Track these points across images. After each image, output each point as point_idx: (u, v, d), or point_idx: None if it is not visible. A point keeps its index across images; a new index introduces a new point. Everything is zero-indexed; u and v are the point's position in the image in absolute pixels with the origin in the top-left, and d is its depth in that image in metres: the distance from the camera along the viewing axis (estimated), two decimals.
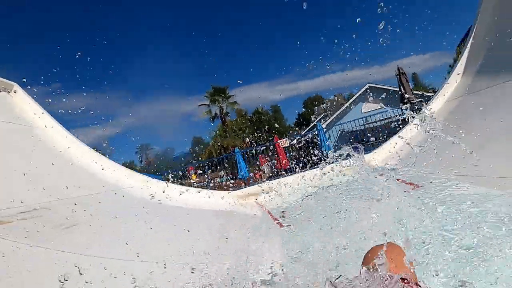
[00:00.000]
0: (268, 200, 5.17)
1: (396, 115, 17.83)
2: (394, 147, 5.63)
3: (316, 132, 10.62)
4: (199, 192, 5.31)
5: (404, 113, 13.80)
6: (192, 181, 17.58)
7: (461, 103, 5.43)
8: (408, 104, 8.31)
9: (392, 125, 16.97)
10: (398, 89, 19.49)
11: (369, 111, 18.47)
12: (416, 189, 2.93)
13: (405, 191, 2.92)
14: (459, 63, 5.84)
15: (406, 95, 8.26)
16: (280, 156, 10.12)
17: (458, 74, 5.76)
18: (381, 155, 5.64)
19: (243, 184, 12.82)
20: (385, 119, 17.96)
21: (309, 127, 30.60)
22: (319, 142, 9.73)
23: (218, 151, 21.69)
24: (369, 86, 18.27)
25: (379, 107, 18.28)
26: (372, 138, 11.88)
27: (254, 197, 5.62)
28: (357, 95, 18.44)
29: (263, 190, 5.54)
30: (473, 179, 2.81)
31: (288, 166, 10.05)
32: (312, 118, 41.26)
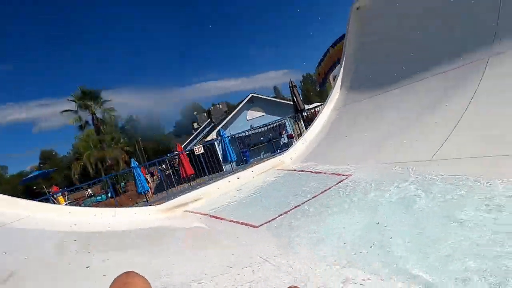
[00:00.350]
0: (200, 207, 5.08)
1: (277, 121, 20.45)
2: (300, 148, 6.65)
3: (219, 139, 10.93)
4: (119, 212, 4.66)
5: (292, 120, 15.95)
6: (62, 204, 14.43)
7: (341, 111, 7.00)
8: (300, 112, 9.86)
9: (274, 130, 19.27)
10: (275, 99, 22.37)
11: (253, 118, 20.39)
12: (349, 177, 3.69)
13: (340, 182, 3.64)
14: (337, 81, 7.54)
15: (300, 104, 9.78)
16: (185, 165, 9.85)
17: (337, 90, 7.44)
18: (291, 156, 6.51)
19: (145, 198, 11.60)
20: (267, 125, 20.33)
21: (194, 133, 30.56)
22: (222, 149, 10.05)
23: (95, 164, 18.57)
24: (252, 95, 20.17)
25: (261, 115, 20.47)
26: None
27: (182, 208, 5.39)
28: (242, 103, 19.99)
29: (194, 199, 5.39)
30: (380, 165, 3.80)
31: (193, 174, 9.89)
32: (195, 125, 41.27)
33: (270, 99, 21.41)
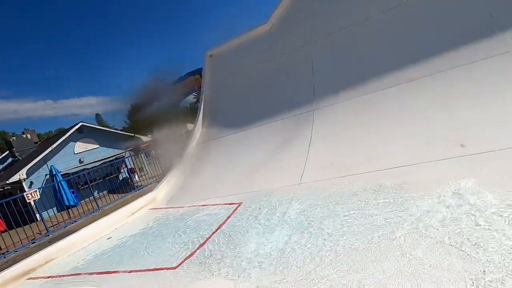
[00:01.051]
0: (58, 268, 4.00)
1: (113, 155, 18.32)
2: (170, 183, 6.56)
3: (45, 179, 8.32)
4: None
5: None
6: None
7: (204, 146, 7.58)
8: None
9: (111, 164, 17.14)
10: (110, 129, 20.02)
11: (83, 151, 17.33)
12: (240, 205, 4.20)
13: (235, 210, 4.10)
14: (198, 119, 8.12)
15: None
16: None
17: (199, 127, 8.01)
18: (162, 192, 6.31)
19: None
20: (102, 159, 17.77)
21: None
22: (60, 190, 7.94)
23: None
24: (81, 124, 17.21)
25: (94, 147, 17.72)
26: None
27: (26, 276, 4.01)
28: (68, 133, 16.59)
29: (44, 261, 4.11)
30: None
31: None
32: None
33: (105, 129, 19.05)
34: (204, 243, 3.34)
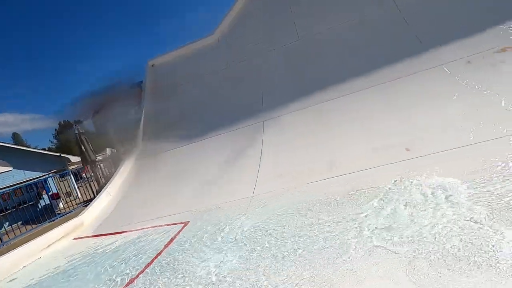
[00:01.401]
0: None
1: (32, 178, 15.63)
2: (102, 205, 5.58)
3: None
4: None
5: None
6: None
7: (145, 162, 6.77)
8: (92, 164, 8.27)
9: (28, 190, 14.52)
10: (31, 149, 17.27)
11: None
12: (187, 224, 3.63)
13: (181, 230, 3.52)
14: (139, 133, 7.27)
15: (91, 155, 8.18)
16: None
17: (139, 142, 7.15)
18: (91, 217, 5.30)
19: None
20: (15, 184, 14.97)
21: None
22: None
23: None
24: None
25: (5, 170, 14.87)
26: None
27: None
28: None
29: None
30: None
31: None
32: None
33: (22, 149, 16.28)
34: (138, 275, 2.70)
